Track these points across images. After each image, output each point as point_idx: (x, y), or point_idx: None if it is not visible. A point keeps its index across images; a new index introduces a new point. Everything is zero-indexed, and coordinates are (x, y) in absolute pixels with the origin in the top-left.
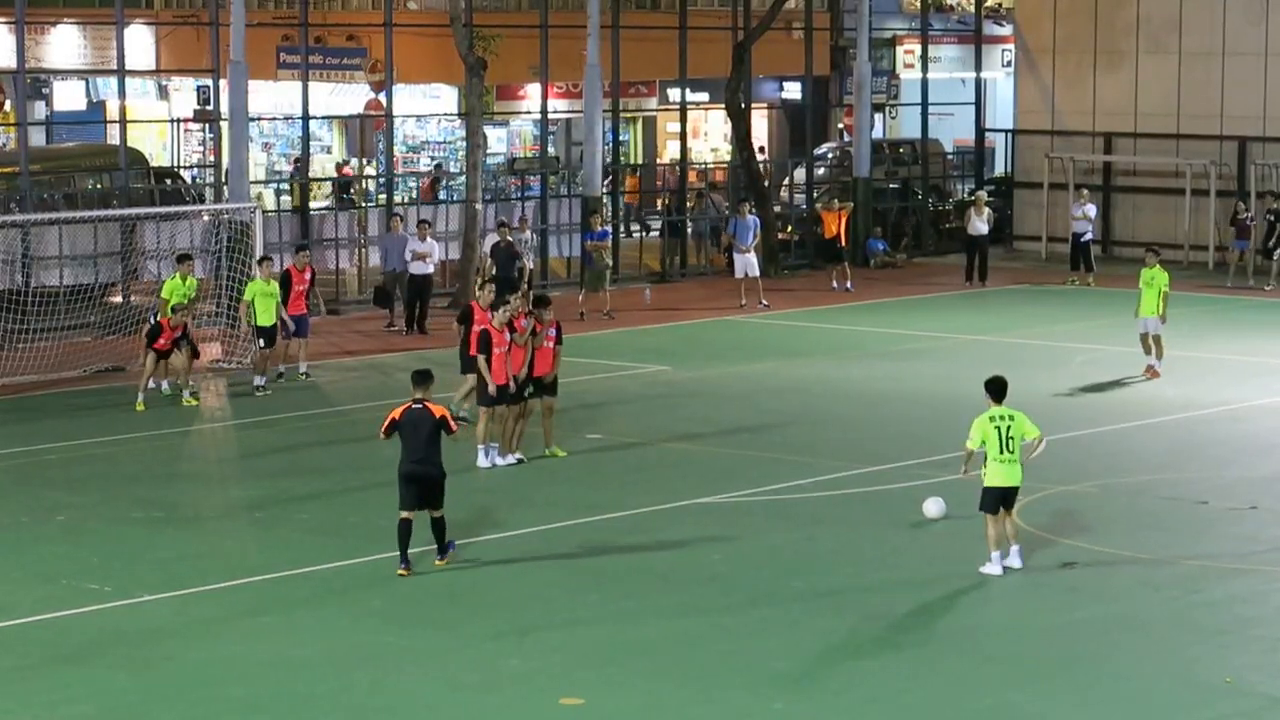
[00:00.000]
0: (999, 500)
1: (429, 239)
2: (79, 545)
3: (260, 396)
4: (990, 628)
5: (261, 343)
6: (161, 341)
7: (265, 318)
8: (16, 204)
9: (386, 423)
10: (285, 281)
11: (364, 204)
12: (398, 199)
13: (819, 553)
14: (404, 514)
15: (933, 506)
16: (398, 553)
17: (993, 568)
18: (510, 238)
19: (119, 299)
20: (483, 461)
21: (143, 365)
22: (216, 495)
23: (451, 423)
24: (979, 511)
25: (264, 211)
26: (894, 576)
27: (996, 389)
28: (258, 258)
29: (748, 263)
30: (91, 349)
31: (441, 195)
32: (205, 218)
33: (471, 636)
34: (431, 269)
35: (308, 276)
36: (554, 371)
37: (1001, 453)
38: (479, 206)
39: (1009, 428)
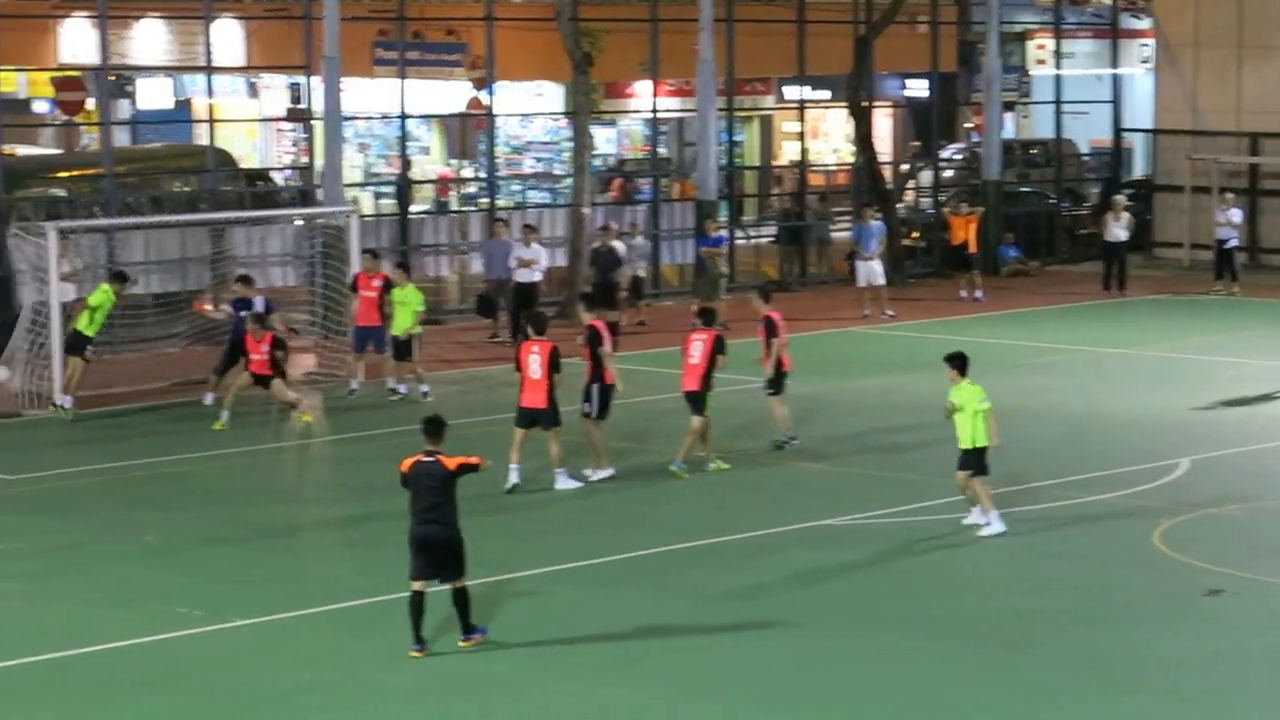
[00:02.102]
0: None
1: (535, 244)
2: (166, 566)
3: (352, 397)
4: (1136, 654)
5: (389, 350)
6: (255, 359)
7: (398, 326)
8: (100, 208)
9: (400, 476)
10: (353, 289)
11: (465, 208)
12: (500, 202)
13: (951, 577)
14: (414, 585)
15: None
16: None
17: (994, 525)
18: (612, 242)
19: (208, 307)
20: (563, 484)
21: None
22: (310, 514)
23: (472, 461)
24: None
25: (360, 216)
26: (1027, 604)
27: (959, 363)
28: (395, 263)
29: (871, 270)
30: (178, 360)
31: (545, 197)
32: (298, 222)
33: (579, 665)
34: (538, 276)
35: (377, 283)
36: (701, 389)
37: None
38: (586, 211)
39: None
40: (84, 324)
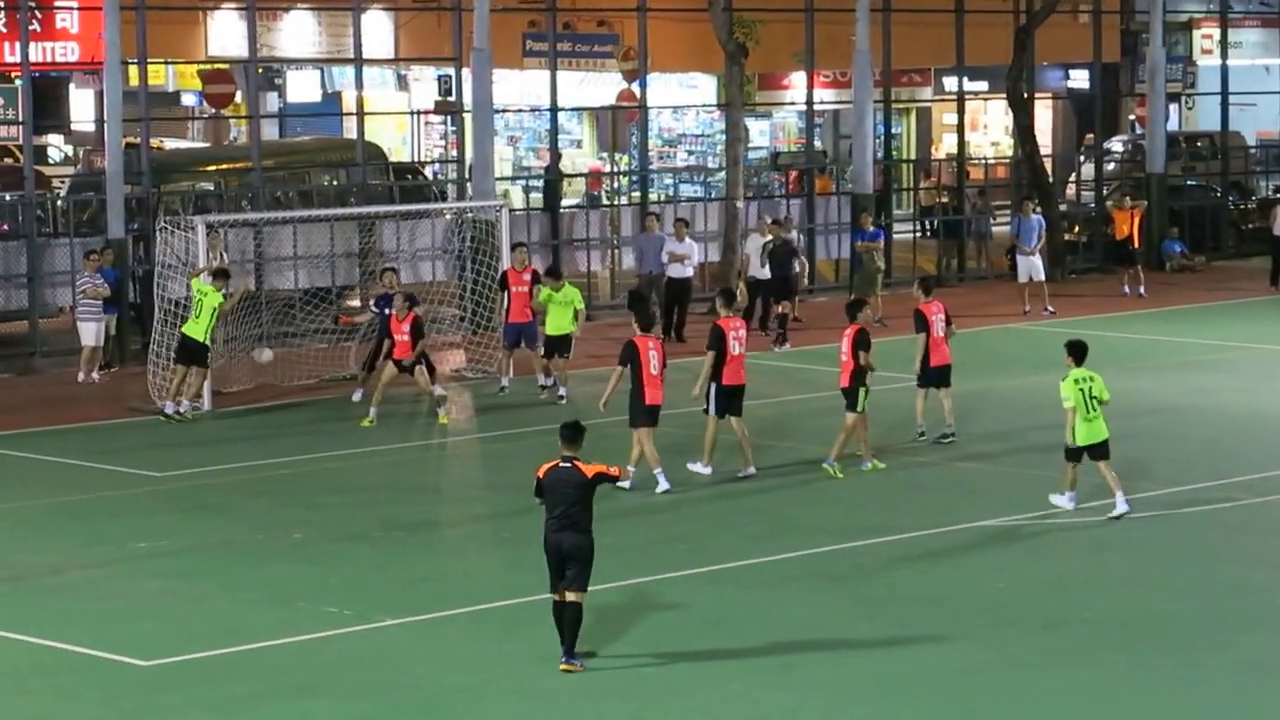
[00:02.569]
0: (1082, 453)
1: (687, 239)
2: (316, 565)
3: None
4: None
5: (541, 349)
6: (399, 340)
7: (553, 326)
8: (249, 202)
9: (535, 484)
10: (503, 285)
11: (616, 202)
12: (652, 196)
13: (1111, 580)
14: (555, 596)
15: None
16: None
17: (1064, 501)
18: (785, 235)
19: (356, 303)
20: (663, 484)
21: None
22: (460, 512)
23: (611, 472)
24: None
25: (510, 210)
26: (1190, 607)
27: (1079, 352)
28: (547, 268)
29: (1032, 266)
30: (326, 356)
31: (697, 191)
32: (448, 216)
33: (733, 669)
34: (690, 272)
35: (528, 278)
36: (852, 384)
37: (1088, 412)
38: (740, 205)
39: (1090, 389)
40: (197, 331)
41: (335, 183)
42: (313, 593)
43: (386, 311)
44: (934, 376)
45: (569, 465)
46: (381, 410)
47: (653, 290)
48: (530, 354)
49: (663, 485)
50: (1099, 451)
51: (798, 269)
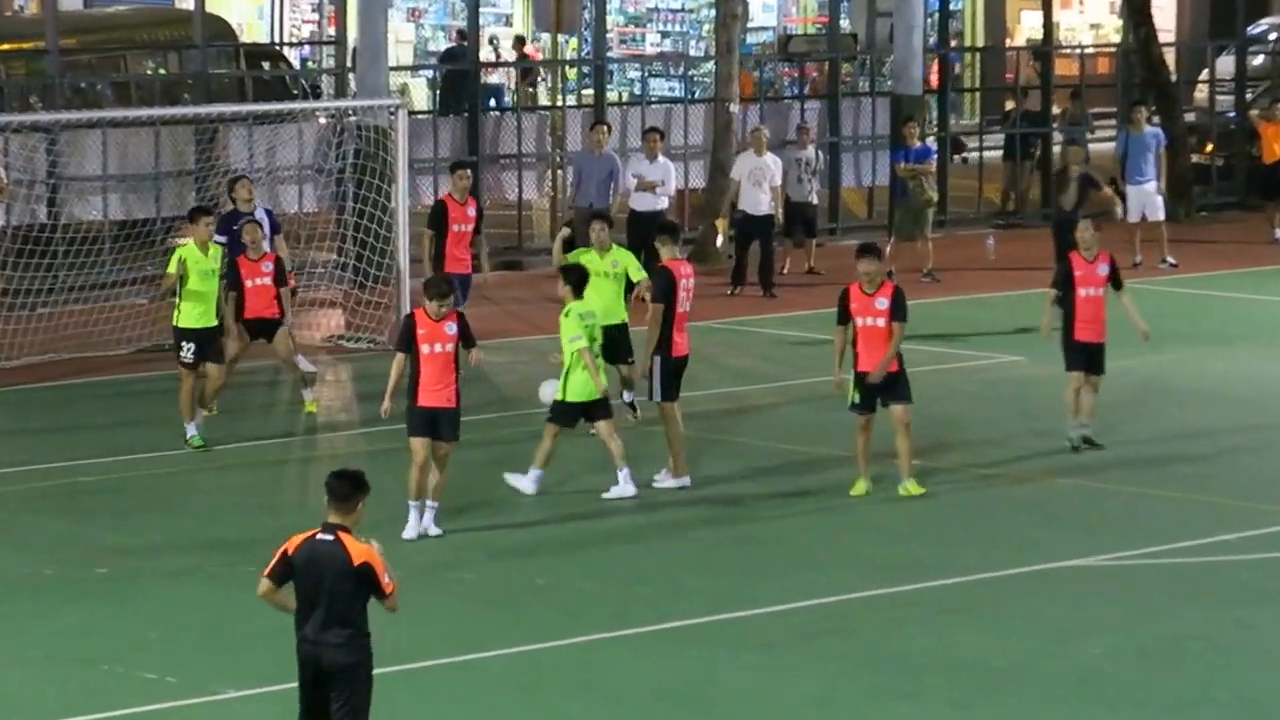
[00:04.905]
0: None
1: (661, 158)
2: (130, 611)
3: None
4: None
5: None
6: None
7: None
8: (39, 97)
9: (277, 561)
10: (439, 218)
11: (560, 103)
12: (612, 96)
13: (1254, 645)
14: None
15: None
16: None
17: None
18: (799, 154)
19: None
20: (627, 488)
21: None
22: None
23: (384, 582)
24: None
25: (410, 113)
26: None
27: None
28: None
29: (1146, 199)
30: (147, 316)
31: (673, 89)
32: (322, 120)
33: None
34: (664, 204)
35: (472, 212)
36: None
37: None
38: (734, 109)
39: None
40: (186, 317)
41: (163, 71)
42: (125, 651)
43: (238, 243)
44: (1082, 356)
45: (331, 539)
46: (225, 397)
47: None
48: None
49: (626, 489)
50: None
51: (813, 197)
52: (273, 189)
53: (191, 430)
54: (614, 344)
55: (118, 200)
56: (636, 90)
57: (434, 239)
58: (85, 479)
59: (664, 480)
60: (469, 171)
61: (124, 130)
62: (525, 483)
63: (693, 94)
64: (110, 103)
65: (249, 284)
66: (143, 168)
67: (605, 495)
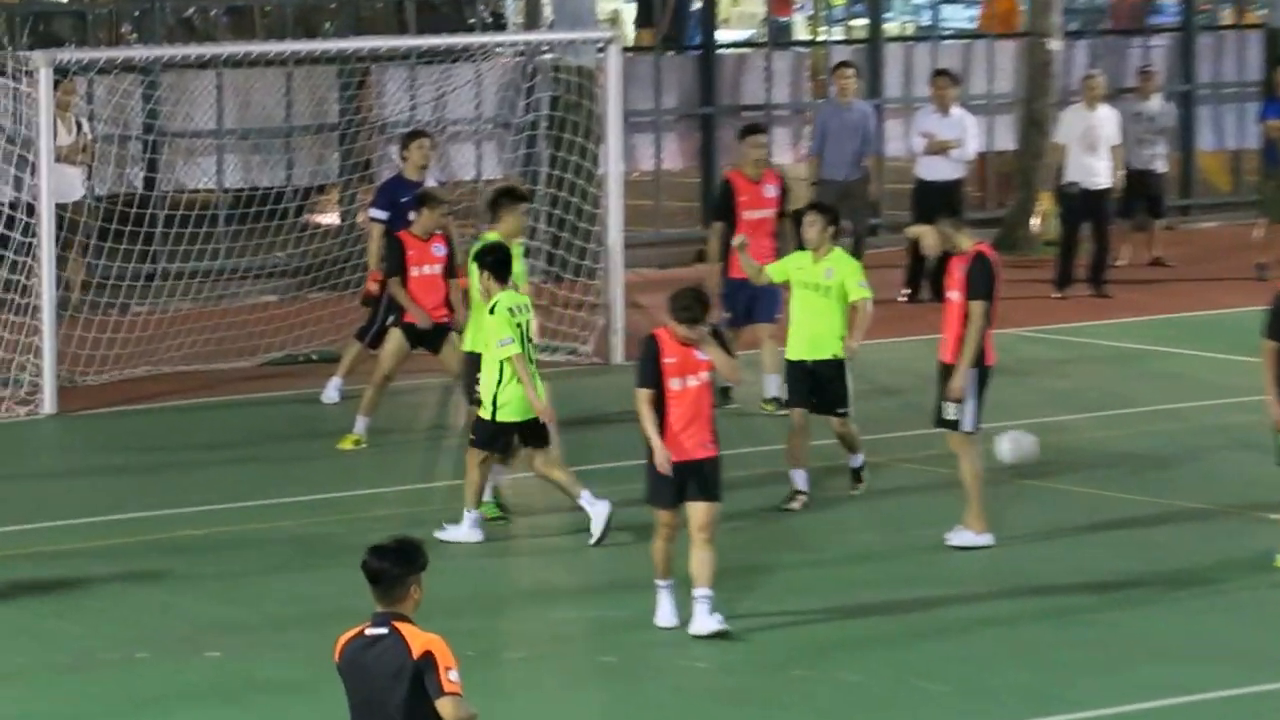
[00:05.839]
0: None
1: (955, 109)
2: (246, 711)
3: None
4: None
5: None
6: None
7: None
8: (134, 27)
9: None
10: (726, 203)
11: (820, 36)
12: (891, 28)
13: None
14: None
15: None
16: None
17: None
18: (1140, 107)
19: (332, 217)
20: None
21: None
22: (532, 622)
23: (443, 680)
24: None
25: (624, 48)
26: None
27: None
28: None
29: None
30: (275, 319)
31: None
32: (508, 59)
33: None
34: (961, 171)
35: (773, 192)
36: None
37: None
38: (1054, 46)
39: None
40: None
41: None
42: None
43: (406, 202)
44: None
45: (385, 631)
46: (376, 419)
47: (851, 206)
48: (762, 335)
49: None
50: None
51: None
52: (441, 150)
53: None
54: (824, 387)
55: (236, 163)
56: (924, 21)
57: (722, 233)
58: (190, 533)
59: (960, 537)
60: (764, 136)
61: (244, 71)
62: (463, 532)
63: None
64: (227, 35)
65: (413, 273)
66: (269, 121)
67: (439, 534)
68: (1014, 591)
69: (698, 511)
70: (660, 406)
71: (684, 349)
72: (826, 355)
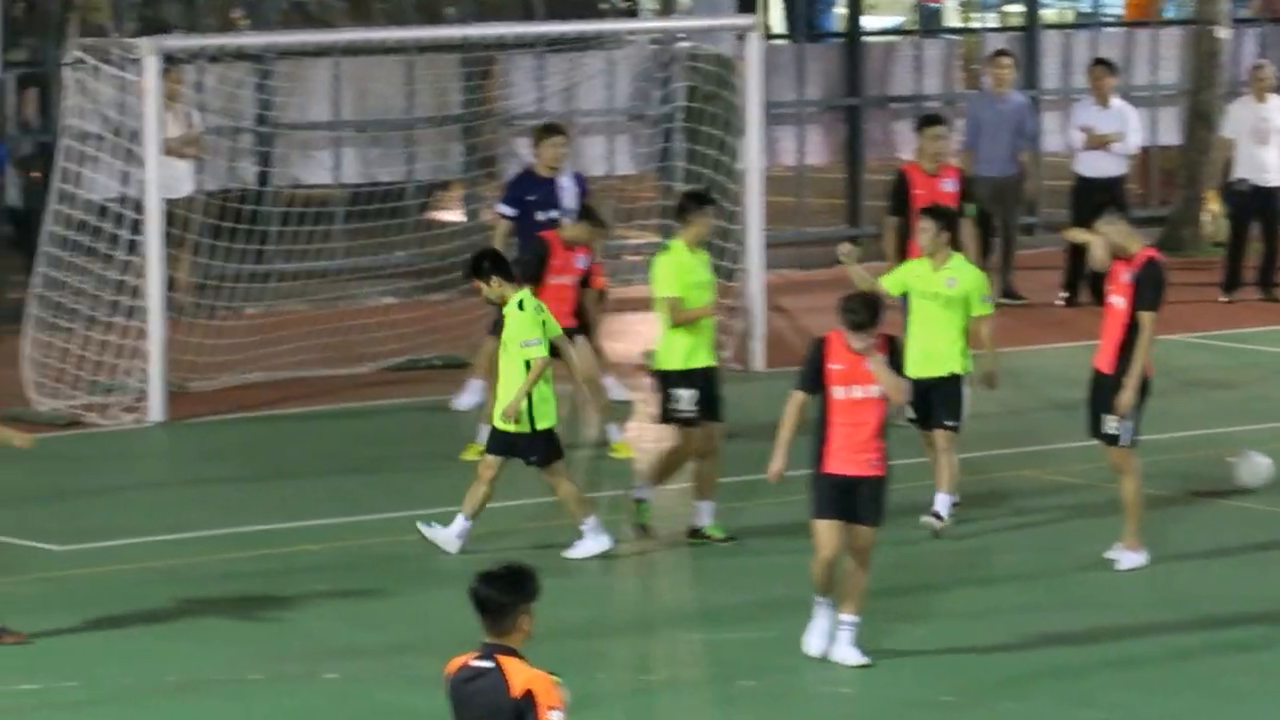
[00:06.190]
0: None
1: (1116, 101)
2: None
3: None
4: None
5: None
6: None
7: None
8: (246, 12)
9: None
10: (900, 197)
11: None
12: (1049, 14)
13: None
14: None
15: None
16: None
17: None
18: None
19: (456, 214)
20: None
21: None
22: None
23: (549, 702)
24: None
25: (766, 35)
26: None
27: None
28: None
29: None
30: (396, 322)
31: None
32: (642, 47)
33: None
34: (1123, 168)
35: (950, 186)
36: None
37: None
38: (1222, 34)
39: None
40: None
41: None
42: None
43: (549, 216)
44: None
45: (490, 665)
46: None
47: (1006, 204)
48: None
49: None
50: None
51: None
52: (571, 144)
53: (705, 519)
54: (937, 401)
55: (354, 157)
56: (1084, 7)
57: (898, 229)
58: (307, 548)
59: (1122, 557)
60: (943, 127)
61: (363, 60)
62: (587, 546)
63: (1164, 13)
64: (344, 21)
65: (550, 280)
66: (389, 113)
67: (568, 554)
68: (1182, 615)
69: (853, 534)
70: (824, 415)
71: (854, 356)
72: (944, 372)
